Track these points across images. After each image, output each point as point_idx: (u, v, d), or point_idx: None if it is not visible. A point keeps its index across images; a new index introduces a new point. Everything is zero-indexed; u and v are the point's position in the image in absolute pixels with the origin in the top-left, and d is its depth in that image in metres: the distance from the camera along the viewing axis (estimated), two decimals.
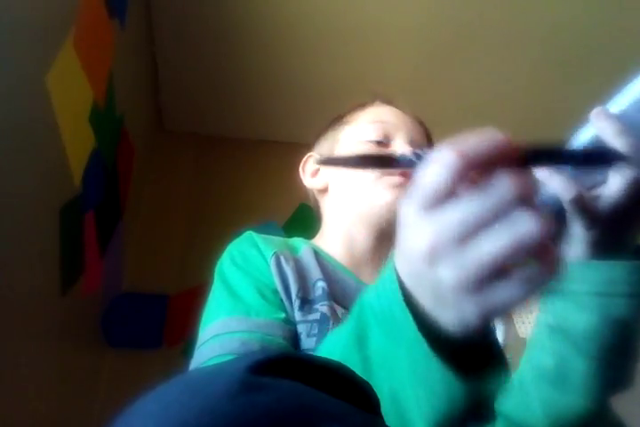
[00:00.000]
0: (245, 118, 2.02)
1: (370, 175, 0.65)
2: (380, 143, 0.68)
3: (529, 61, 1.86)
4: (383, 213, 0.64)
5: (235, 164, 2.01)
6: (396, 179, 0.64)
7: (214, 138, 2.08)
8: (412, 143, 0.69)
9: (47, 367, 0.99)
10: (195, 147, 2.04)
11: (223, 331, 0.51)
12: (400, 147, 0.68)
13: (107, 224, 1.29)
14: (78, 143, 1.06)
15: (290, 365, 0.28)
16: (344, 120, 0.75)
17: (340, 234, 0.68)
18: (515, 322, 1.89)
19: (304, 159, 0.77)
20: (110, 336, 1.43)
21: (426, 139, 0.75)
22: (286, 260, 0.60)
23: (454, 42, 1.76)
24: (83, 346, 1.29)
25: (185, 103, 1.96)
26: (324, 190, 0.73)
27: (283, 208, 1.76)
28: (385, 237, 0.66)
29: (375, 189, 0.65)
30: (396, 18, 1.67)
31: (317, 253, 0.64)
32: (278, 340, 0.50)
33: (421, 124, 0.76)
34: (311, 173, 0.75)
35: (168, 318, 1.57)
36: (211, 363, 0.48)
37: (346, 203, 0.69)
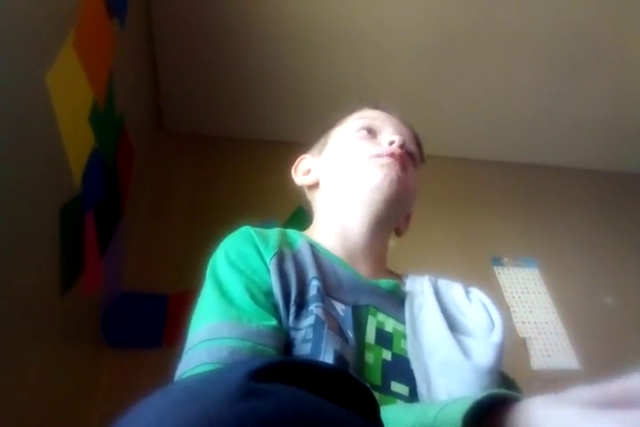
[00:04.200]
0: (245, 118, 2.02)
1: (359, 158, 0.68)
2: (371, 132, 0.72)
3: (531, 61, 1.86)
4: (375, 194, 0.66)
5: (235, 164, 2.01)
6: (384, 159, 0.66)
7: (214, 138, 2.08)
8: (402, 136, 0.71)
9: (47, 367, 0.99)
10: (195, 147, 2.04)
11: (213, 336, 0.48)
12: (388, 136, 0.70)
13: (107, 224, 1.29)
14: (78, 143, 1.05)
15: (290, 370, 0.28)
16: (335, 125, 0.79)
17: (333, 225, 0.69)
18: (515, 322, 1.89)
19: (297, 160, 0.81)
20: (110, 336, 1.42)
21: (414, 140, 0.77)
22: (287, 260, 0.58)
23: (455, 43, 1.76)
24: (83, 346, 1.29)
25: (185, 103, 1.96)
26: (315, 186, 0.75)
27: (283, 208, 1.76)
28: (379, 223, 0.68)
29: (365, 170, 0.67)
30: (396, 18, 1.66)
31: (314, 247, 0.63)
32: (269, 350, 0.48)
33: (408, 125, 0.78)
34: (303, 172, 0.78)
35: (168, 318, 1.57)
36: (198, 370, 0.46)
37: (338, 190, 0.71)
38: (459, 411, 0.31)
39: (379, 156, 0.67)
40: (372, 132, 0.72)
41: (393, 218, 0.71)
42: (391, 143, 0.68)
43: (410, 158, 0.71)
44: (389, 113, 0.78)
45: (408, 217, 0.79)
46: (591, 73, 1.91)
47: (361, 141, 0.71)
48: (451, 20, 1.68)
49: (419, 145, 0.78)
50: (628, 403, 0.27)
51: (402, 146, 0.68)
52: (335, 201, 0.70)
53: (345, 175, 0.69)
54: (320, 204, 0.74)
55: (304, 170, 0.78)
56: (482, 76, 1.90)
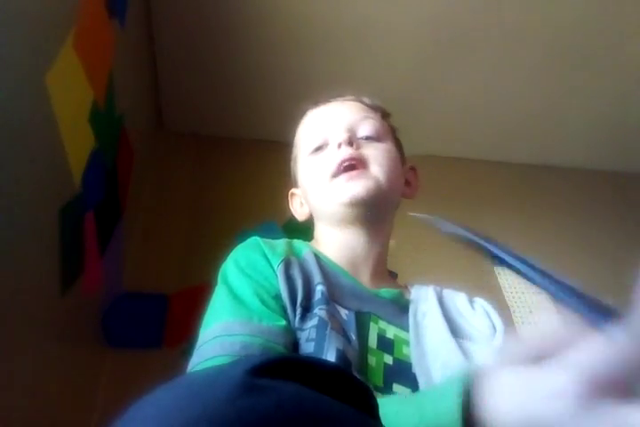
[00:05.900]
0: (245, 118, 2.02)
1: (321, 186, 0.68)
2: (320, 148, 0.71)
3: (531, 61, 1.86)
4: (353, 210, 0.66)
5: (235, 164, 2.01)
6: (341, 178, 0.66)
7: (214, 138, 2.08)
8: (348, 129, 0.70)
9: (47, 367, 0.99)
10: (195, 147, 2.04)
11: (225, 333, 0.51)
12: (336, 138, 0.69)
13: (107, 224, 1.29)
14: (78, 143, 1.05)
15: (290, 367, 0.28)
16: (293, 144, 0.80)
17: (335, 241, 0.70)
18: (515, 322, 1.89)
19: (289, 197, 0.82)
20: (110, 336, 1.42)
21: (369, 109, 0.76)
22: (293, 266, 0.60)
23: (454, 43, 1.76)
24: (83, 346, 1.29)
25: (185, 103, 1.96)
26: (311, 216, 0.76)
27: (282, 208, 1.76)
28: (374, 228, 0.68)
29: (331, 194, 0.67)
30: (396, 18, 1.67)
31: (318, 257, 0.65)
32: (279, 347, 0.50)
33: (353, 100, 0.78)
34: (299, 206, 0.79)
35: (168, 318, 1.57)
36: (209, 363, 0.48)
37: (323, 217, 0.71)
38: (453, 409, 0.32)
39: (336, 174, 0.66)
40: (322, 143, 0.71)
41: (384, 213, 0.71)
42: (339, 146, 0.68)
43: (367, 140, 0.70)
44: (330, 102, 0.78)
45: (413, 171, 0.78)
46: (592, 73, 1.91)
47: (315, 165, 0.71)
48: (449, 20, 1.68)
49: (373, 108, 0.77)
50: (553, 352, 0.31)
51: (350, 143, 0.68)
52: (327, 225, 0.71)
53: (319, 203, 0.70)
54: (320, 229, 0.74)
55: (298, 204, 0.79)
56: (481, 75, 1.90)
